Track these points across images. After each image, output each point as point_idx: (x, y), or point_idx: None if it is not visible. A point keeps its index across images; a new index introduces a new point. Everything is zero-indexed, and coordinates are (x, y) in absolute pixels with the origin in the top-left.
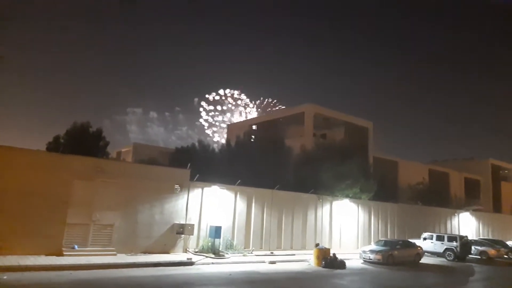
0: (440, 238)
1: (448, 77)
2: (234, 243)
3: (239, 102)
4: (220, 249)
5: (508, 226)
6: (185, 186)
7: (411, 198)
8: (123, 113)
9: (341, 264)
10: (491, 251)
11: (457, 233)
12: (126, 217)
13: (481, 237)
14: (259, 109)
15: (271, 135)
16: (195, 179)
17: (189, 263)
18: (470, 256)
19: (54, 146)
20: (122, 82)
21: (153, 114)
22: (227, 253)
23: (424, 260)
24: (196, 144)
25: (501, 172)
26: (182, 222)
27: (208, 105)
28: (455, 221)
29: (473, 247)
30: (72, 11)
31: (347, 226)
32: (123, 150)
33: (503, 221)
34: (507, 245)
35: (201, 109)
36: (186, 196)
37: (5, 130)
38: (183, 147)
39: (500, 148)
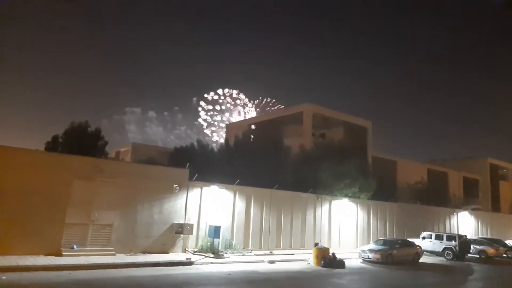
0: (439, 237)
1: (448, 77)
2: (233, 242)
3: (238, 101)
4: (219, 248)
5: (507, 225)
6: (184, 186)
7: (410, 198)
8: (122, 112)
9: (340, 264)
10: (490, 250)
11: (456, 232)
12: (125, 217)
13: (480, 236)
14: (258, 109)
15: (270, 135)
16: (194, 179)
17: (188, 262)
18: (469, 255)
19: (53, 146)
20: (122, 82)
21: (152, 114)
22: (226, 253)
23: (423, 259)
24: (195, 143)
25: (499, 171)
26: (181, 221)
27: (207, 104)
28: (454, 220)
29: (472, 246)
30: (72, 11)
31: (346, 225)
32: (122, 149)
33: (502, 220)
34: (506, 244)
35: (200, 108)
36: (185, 195)
37: (5, 130)
38: (182, 146)
39: (499, 148)
